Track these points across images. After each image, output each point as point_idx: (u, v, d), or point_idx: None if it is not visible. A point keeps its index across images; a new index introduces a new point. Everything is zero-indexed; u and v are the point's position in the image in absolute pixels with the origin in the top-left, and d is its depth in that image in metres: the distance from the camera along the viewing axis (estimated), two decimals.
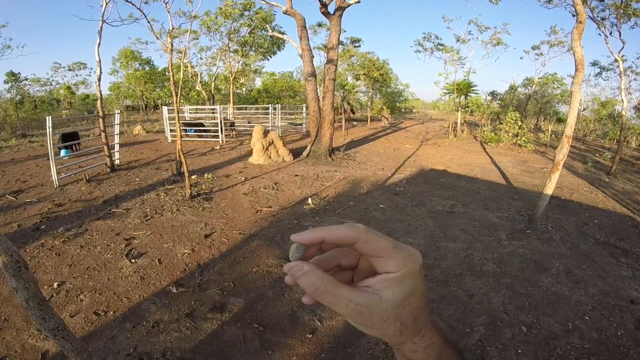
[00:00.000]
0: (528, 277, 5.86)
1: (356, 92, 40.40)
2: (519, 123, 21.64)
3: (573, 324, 4.71)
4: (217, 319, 4.39)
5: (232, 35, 27.69)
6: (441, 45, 28.79)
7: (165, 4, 9.40)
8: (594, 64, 31.86)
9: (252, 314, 4.51)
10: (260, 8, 24.76)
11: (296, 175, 11.47)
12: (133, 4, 9.71)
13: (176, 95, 9.19)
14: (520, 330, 4.52)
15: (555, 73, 36.44)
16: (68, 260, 5.62)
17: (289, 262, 0.54)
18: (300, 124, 24.91)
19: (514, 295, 5.30)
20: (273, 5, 14.98)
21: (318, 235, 0.52)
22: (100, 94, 11.14)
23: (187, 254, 5.98)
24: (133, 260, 5.67)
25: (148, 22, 10.30)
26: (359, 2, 13.66)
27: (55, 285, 4.93)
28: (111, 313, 4.40)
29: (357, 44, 37.49)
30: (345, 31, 25.48)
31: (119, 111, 13.32)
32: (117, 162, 12.19)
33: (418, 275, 0.55)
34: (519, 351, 4.16)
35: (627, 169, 17.65)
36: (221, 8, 24.76)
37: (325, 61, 15.57)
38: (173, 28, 9.70)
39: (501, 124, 23.59)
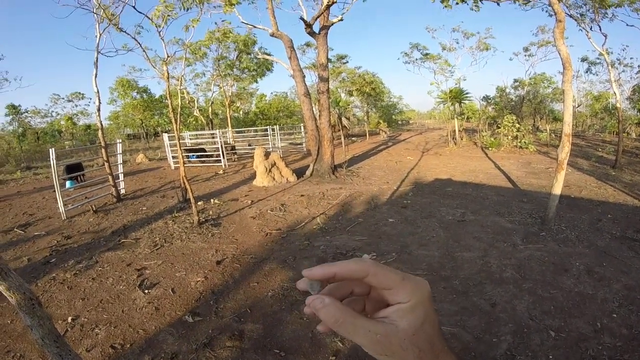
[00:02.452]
0: (549, 280, 5.79)
1: (351, 107, 40.56)
2: (517, 125, 21.70)
3: (601, 323, 4.62)
4: (237, 346, 4.30)
5: (220, 61, 27.91)
6: (428, 54, 29.00)
7: (159, 32, 9.45)
8: (584, 59, 32.09)
9: (272, 339, 4.42)
10: (237, 33, 25.06)
11: (302, 195, 11.43)
12: (128, 34, 9.79)
13: (176, 122, 9.20)
14: (548, 335, 4.43)
15: (543, 72, 36.73)
16: (81, 294, 5.56)
17: (310, 295, 0.57)
18: (300, 144, 24.98)
19: (538, 300, 5.22)
20: (259, 28, 15.09)
21: (328, 270, 0.56)
22: (101, 124, 11.19)
23: (200, 281, 5.91)
24: (146, 291, 5.61)
25: (143, 51, 10.37)
26: (342, 20, 13.82)
27: (69, 319, 4.87)
28: (128, 346, 4.33)
29: (344, 60, 37.77)
30: (332, 49, 25.74)
31: (120, 140, 13.38)
32: (122, 191, 12.20)
33: (428, 304, 0.57)
34: (550, 357, 4.07)
35: (632, 160, 17.64)
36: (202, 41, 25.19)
37: (317, 79, 15.67)
38: (168, 56, 9.74)
39: (498, 128, 23.66)
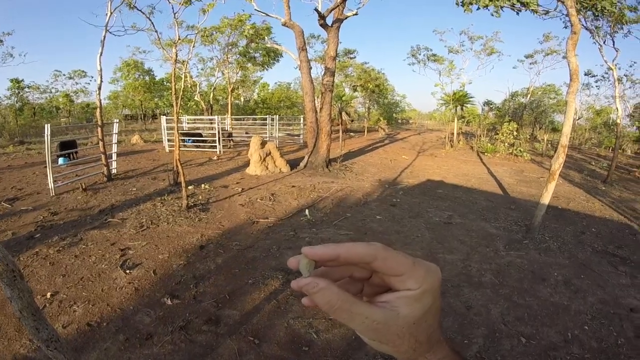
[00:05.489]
0: (526, 288, 5.86)
1: (354, 103, 40.51)
2: (515, 133, 21.76)
3: (572, 334, 4.70)
4: (212, 331, 4.34)
5: (230, 47, 27.83)
6: (434, 56, 29.02)
7: (174, 14, 9.44)
8: (587, 73, 32.12)
9: (248, 326, 4.47)
10: (254, 23, 24.95)
11: (293, 186, 11.46)
12: (143, 13, 9.78)
13: (176, 105, 9.19)
14: (519, 341, 4.50)
15: (553, 84, 36.82)
16: (62, 270, 5.57)
17: (302, 278, 0.52)
18: (298, 135, 24.96)
19: (513, 306, 5.29)
20: (272, 17, 15.03)
21: (333, 251, 0.51)
22: (100, 103, 11.15)
23: (183, 265, 5.94)
24: (128, 271, 5.64)
25: (155, 31, 10.37)
26: (356, 14, 13.77)
27: (48, 295, 4.88)
28: (104, 324, 4.35)
29: (352, 55, 37.69)
30: (341, 42, 25.71)
31: (117, 120, 13.33)
32: (114, 171, 12.17)
33: (437, 292, 0.54)
34: None
35: (623, 177, 17.76)
36: (217, 26, 25.07)
37: (322, 72, 15.62)
38: (180, 38, 9.72)
39: (497, 134, 23.71)
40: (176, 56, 9.26)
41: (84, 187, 9.83)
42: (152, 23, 10.13)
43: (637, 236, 8.88)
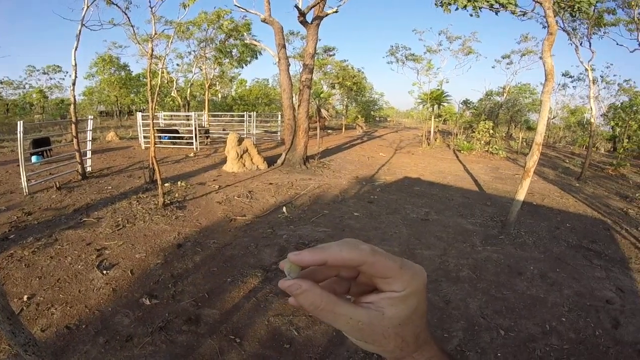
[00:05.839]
0: (503, 282, 5.99)
1: (332, 100, 40.57)
2: (491, 132, 22.08)
3: (550, 326, 4.83)
4: (193, 331, 4.33)
5: (207, 43, 27.58)
6: (412, 55, 29.25)
7: (151, 8, 9.32)
8: (565, 74, 32.79)
9: (228, 325, 4.47)
10: (232, 18, 24.77)
11: (271, 184, 11.47)
12: (119, 7, 9.64)
13: (152, 102, 9.10)
14: (498, 333, 4.61)
15: (528, 83, 37.47)
16: (38, 272, 5.49)
17: (287, 279, 0.52)
18: (276, 132, 24.92)
19: (491, 300, 5.41)
20: (252, 13, 14.98)
21: (319, 256, 0.51)
22: (74, 99, 10.95)
23: (160, 264, 5.91)
24: (105, 272, 5.58)
25: (131, 26, 10.23)
26: (337, 12, 13.76)
27: (25, 298, 4.81)
28: (83, 327, 4.30)
29: (331, 53, 37.74)
30: (320, 40, 25.69)
31: (92, 117, 13.10)
32: (89, 169, 11.98)
33: (422, 294, 0.55)
34: (499, 354, 4.25)
35: (597, 174, 18.18)
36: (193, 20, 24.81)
37: (300, 69, 15.63)
38: (156, 33, 9.62)
39: (473, 132, 24.04)
40: (152, 51, 9.16)
41: (58, 185, 9.69)
42: (128, 18, 10.01)
43: (611, 231, 9.13)
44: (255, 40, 22.72)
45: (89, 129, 12.46)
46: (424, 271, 0.56)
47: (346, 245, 0.51)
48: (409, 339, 0.55)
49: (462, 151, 22.66)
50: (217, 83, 40.25)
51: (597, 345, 4.52)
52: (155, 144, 9.34)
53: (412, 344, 0.55)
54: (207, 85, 30.55)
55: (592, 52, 16.89)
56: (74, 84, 10.83)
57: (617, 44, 17.30)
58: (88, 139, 12.35)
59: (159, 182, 8.67)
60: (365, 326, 0.52)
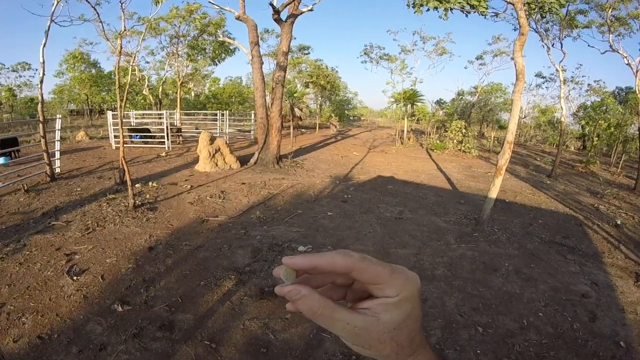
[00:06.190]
0: (479, 279, 6.10)
1: (305, 99, 40.58)
2: (463, 131, 22.41)
3: (528, 321, 4.93)
4: (167, 337, 4.26)
5: (179, 39, 27.23)
6: (386, 55, 29.46)
7: (121, 4, 9.15)
8: (537, 75, 33.55)
9: (203, 330, 4.42)
10: (205, 13, 24.52)
11: (243, 183, 11.42)
12: (88, 2, 9.43)
13: (121, 100, 8.95)
14: (476, 330, 4.68)
15: (500, 83, 38.15)
16: (7, 279, 5.32)
17: (285, 285, 0.54)
18: (249, 131, 24.80)
19: (467, 297, 5.49)
20: (226, 10, 14.88)
21: (310, 262, 0.52)
22: (42, 97, 10.67)
23: (132, 268, 5.82)
24: (75, 278, 5.46)
25: (101, 22, 10.04)
26: (312, 10, 13.76)
27: None
28: (55, 336, 4.18)
29: (306, 52, 37.75)
30: (295, 38, 25.66)
31: (60, 116, 12.81)
32: (57, 170, 11.71)
33: (416, 299, 0.56)
34: (478, 351, 4.31)
35: (567, 171, 18.69)
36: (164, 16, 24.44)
37: (274, 68, 15.59)
38: (125, 29, 9.46)
39: (446, 131, 24.35)
40: (121, 48, 9.02)
41: (26, 188, 9.45)
42: (98, 13, 9.81)
43: (583, 226, 9.39)
44: (229, 37, 22.56)
45: (57, 128, 12.17)
46: (418, 277, 0.58)
47: (338, 252, 0.53)
48: (403, 342, 0.56)
49: (435, 150, 22.95)
50: (190, 81, 39.79)
51: (575, 338, 4.64)
52: (124, 143, 9.19)
53: (407, 348, 0.56)
54: (179, 83, 30.16)
55: (564, 53, 17.38)
56: (41, 82, 10.53)
57: (589, 45, 17.87)
58: (56, 139, 12.07)
59: (129, 183, 8.51)
60: (361, 331, 0.53)
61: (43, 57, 10.31)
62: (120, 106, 8.91)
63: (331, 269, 0.53)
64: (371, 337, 0.54)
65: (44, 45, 10.31)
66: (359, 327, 0.53)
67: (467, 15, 9.70)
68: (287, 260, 0.53)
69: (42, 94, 10.66)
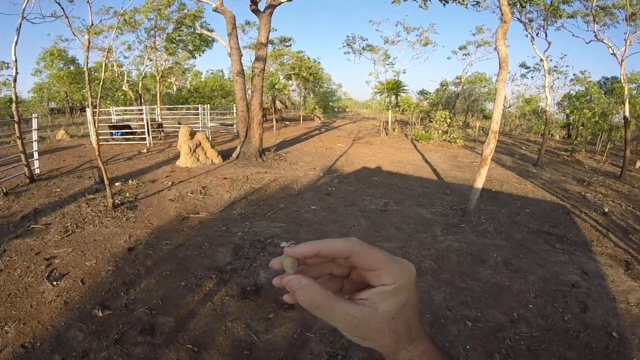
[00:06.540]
0: (467, 271, 6.08)
1: (288, 90, 40.41)
2: (448, 121, 22.50)
3: (518, 314, 4.92)
4: (149, 342, 4.19)
5: (157, 32, 26.82)
6: (369, 46, 29.40)
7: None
8: (522, 65, 33.76)
9: (185, 333, 4.37)
10: (183, 4, 24.19)
11: (225, 178, 11.33)
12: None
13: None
14: (465, 325, 4.65)
15: (484, 73, 38.31)
16: None
17: (286, 275, 0.55)
18: (232, 125, 24.59)
19: (455, 291, 5.47)
20: (203, 2, 14.71)
21: (313, 248, 0.54)
22: (16, 96, 10.45)
23: (112, 271, 5.73)
24: (55, 283, 5.35)
25: (67, 17, 9.83)
26: (290, 0, 13.65)
27: None
28: (38, 344, 4.10)
29: (287, 43, 37.54)
30: (275, 30, 25.40)
31: (36, 115, 12.55)
32: (37, 171, 11.50)
33: (412, 287, 0.57)
34: (468, 347, 4.29)
35: (553, 159, 18.90)
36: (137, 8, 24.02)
37: (253, 60, 15.47)
38: (92, 24, 9.27)
39: (431, 122, 24.43)
40: (89, 43, 8.83)
41: (4, 191, 9.26)
42: (63, 9, 9.58)
43: (570, 215, 9.47)
44: (208, 29, 22.31)
45: (34, 128, 11.93)
46: (413, 266, 0.59)
47: (337, 239, 0.55)
48: (401, 331, 0.56)
49: (420, 141, 22.99)
50: (171, 75, 39.33)
51: (567, 330, 4.63)
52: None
53: (405, 337, 0.57)
54: (158, 78, 29.75)
55: (548, 43, 17.54)
56: (15, 81, 10.31)
57: (574, 35, 18.00)
58: (34, 139, 11.84)
59: (106, 182, 8.35)
60: (360, 322, 0.54)
61: (15, 55, 10.09)
62: (90, 103, 8.74)
63: (333, 253, 0.55)
64: (370, 327, 0.55)
65: (16, 43, 10.08)
66: (358, 318, 0.54)
67: (444, 5, 9.69)
68: (289, 250, 0.55)
69: (15, 93, 10.47)
